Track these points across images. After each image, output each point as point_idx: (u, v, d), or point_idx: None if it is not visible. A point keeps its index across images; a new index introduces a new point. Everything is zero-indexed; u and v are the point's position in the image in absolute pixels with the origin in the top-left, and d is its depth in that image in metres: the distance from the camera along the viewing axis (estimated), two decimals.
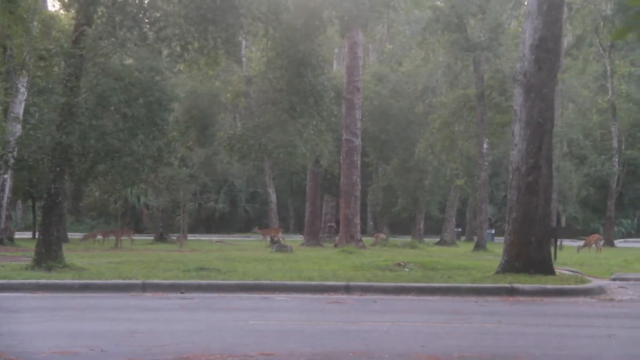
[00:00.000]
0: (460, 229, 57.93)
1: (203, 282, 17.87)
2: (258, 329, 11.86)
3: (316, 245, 40.83)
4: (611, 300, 16.49)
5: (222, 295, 16.52)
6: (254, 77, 44.35)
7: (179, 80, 33.33)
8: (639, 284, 19.75)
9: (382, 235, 46.76)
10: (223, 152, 48.04)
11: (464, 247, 41.80)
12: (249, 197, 71.95)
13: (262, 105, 44.48)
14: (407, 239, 47.30)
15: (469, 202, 54.99)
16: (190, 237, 47.24)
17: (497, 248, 26.69)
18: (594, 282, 18.88)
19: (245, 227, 62.33)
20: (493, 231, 49.32)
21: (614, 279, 20.58)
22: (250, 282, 17.80)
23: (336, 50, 46.90)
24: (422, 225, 52.95)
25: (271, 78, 43.98)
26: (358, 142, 41.12)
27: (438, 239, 51.21)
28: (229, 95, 44.74)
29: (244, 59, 44.69)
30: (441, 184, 50.29)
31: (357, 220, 40.76)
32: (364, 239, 41.74)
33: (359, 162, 41.27)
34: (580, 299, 16.62)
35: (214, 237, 49.51)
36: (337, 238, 40.90)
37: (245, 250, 32.90)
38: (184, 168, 46.28)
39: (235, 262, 23.40)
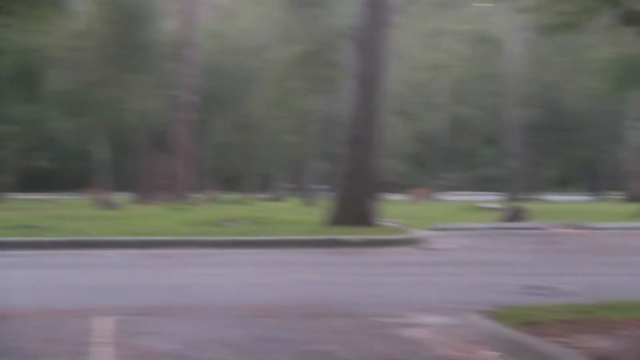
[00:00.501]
0: (291, 185, 58.50)
1: (23, 239, 17.30)
2: (79, 285, 11.60)
3: (147, 202, 40.25)
4: (431, 249, 17.18)
5: (43, 252, 16.00)
6: (85, 31, 42.95)
7: (3, 34, 31.77)
8: (457, 234, 20.68)
9: (213, 192, 46.70)
10: (52, 109, 46.43)
11: (294, 203, 42.35)
12: (79, 155, 69.75)
13: (93, 61, 43.24)
14: (239, 195, 47.38)
15: (301, 158, 55.58)
16: (15, 196, 45.48)
17: (327, 203, 27.19)
18: (416, 233, 19.60)
19: (74, 186, 60.54)
20: (324, 186, 50.03)
21: (434, 229, 21.37)
22: (74, 238, 17.36)
23: (172, 5, 45.91)
24: (253, 182, 53.19)
25: (102, 33, 42.79)
26: (191, 98, 40.64)
27: (269, 195, 51.58)
28: (58, 50, 43.15)
29: (74, 12, 43.11)
30: (274, 140, 50.56)
31: (189, 177, 40.47)
32: (195, 195, 41.51)
33: (191, 118, 40.83)
34: (402, 249, 17.23)
35: (41, 196, 47.86)
36: (167, 195, 40.42)
37: (71, 209, 31.95)
38: (9, 125, 44.39)
39: (60, 220, 22.71)
